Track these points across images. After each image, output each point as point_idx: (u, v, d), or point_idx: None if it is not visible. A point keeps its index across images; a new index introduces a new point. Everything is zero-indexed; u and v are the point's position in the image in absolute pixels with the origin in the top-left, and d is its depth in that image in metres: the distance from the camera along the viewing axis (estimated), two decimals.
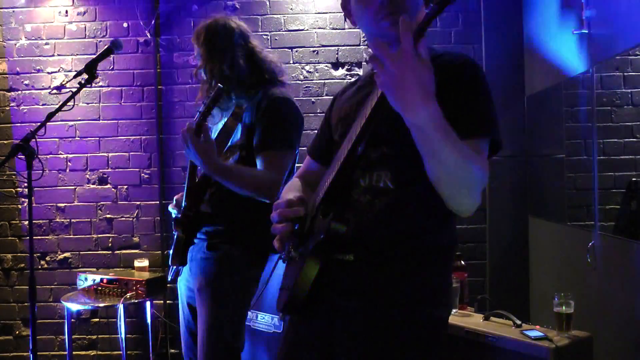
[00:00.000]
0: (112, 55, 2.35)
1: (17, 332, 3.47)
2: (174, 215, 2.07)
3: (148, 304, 3.10)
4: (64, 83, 3.31)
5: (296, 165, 1.98)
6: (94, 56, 2.14)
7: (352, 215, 1.23)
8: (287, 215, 1.26)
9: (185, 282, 2.08)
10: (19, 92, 3.44)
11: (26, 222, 3.40)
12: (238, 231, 1.96)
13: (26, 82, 3.43)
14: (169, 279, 2.15)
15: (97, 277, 3.02)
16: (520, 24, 3.23)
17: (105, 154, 3.43)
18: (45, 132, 2.16)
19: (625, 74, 2.28)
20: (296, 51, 3.38)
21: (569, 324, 2.15)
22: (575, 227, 2.62)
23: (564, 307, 2.15)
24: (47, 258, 3.44)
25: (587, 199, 2.44)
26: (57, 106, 2.12)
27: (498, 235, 3.28)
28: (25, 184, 2.09)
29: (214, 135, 1.98)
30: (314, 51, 3.37)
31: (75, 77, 2.11)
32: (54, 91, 3.34)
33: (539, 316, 2.91)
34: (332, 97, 1.54)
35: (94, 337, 3.44)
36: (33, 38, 3.43)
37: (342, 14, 1.40)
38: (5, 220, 3.46)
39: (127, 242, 3.44)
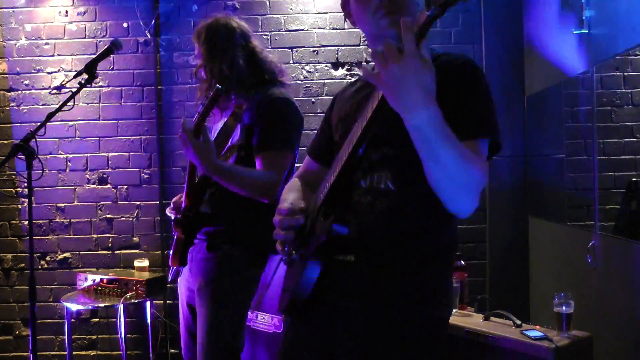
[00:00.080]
0: (112, 55, 2.35)
1: (17, 332, 3.47)
2: (172, 218, 2.07)
3: (148, 304, 3.10)
4: (64, 83, 3.31)
5: (296, 165, 1.98)
6: (94, 56, 2.13)
7: (353, 216, 1.23)
8: (289, 224, 1.27)
9: (185, 282, 2.07)
10: (19, 92, 3.44)
11: (26, 222, 3.40)
12: (238, 231, 1.96)
13: (26, 82, 3.43)
14: (169, 279, 2.15)
15: (97, 277, 3.02)
16: (520, 24, 3.23)
17: (105, 154, 3.43)
18: (45, 132, 2.16)
19: (625, 74, 2.28)
20: (296, 51, 3.38)
21: (569, 324, 2.15)
22: (575, 227, 2.62)
23: (564, 307, 2.15)
24: (47, 258, 3.44)
25: (587, 199, 2.44)
26: (57, 106, 2.11)
27: (498, 235, 3.28)
28: (25, 184, 2.09)
29: (213, 135, 1.98)
30: (314, 51, 3.37)
31: (75, 77, 2.11)
32: (54, 91, 3.34)
33: (539, 316, 2.91)
34: (332, 97, 1.54)
35: (94, 337, 3.44)
36: (33, 38, 3.43)
37: (342, 14, 1.40)
38: (5, 220, 3.46)
39: (127, 242, 3.44)
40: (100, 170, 3.43)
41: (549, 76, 2.87)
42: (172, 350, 3.39)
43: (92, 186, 3.44)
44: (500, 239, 3.27)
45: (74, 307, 2.92)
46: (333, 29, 3.36)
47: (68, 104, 2.10)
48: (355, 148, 1.19)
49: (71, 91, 2.13)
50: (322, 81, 3.37)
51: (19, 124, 3.43)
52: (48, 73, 3.43)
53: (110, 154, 3.43)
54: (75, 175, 3.43)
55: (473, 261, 3.25)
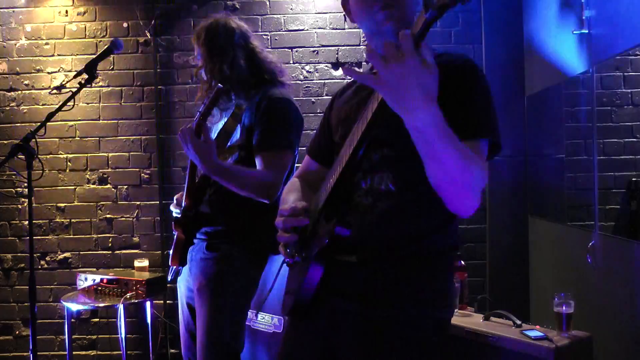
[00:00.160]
0: (112, 55, 2.36)
1: (17, 332, 3.47)
2: (175, 215, 2.07)
3: (148, 304, 3.10)
4: (64, 83, 3.31)
5: (296, 165, 1.98)
6: (94, 56, 2.14)
7: (354, 217, 1.23)
8: (292, 225, 1.26)
9: (185, 282, 2.08)
10: (19, 92, 3.44)
11: (26, 222, 3.40)
12: (238, 231, 1.96)
13: (26, 82, 3.43)
14: (169, 279, 2.15)
15: (97, 277, 3.01)
16: (520, 24, 3.23)
17: (105, 154, 3.43)
18: (45, 132, 2.16)
19: (625, 74, 2.28)
20: (296, 51, 3.38)
21: (569, 324, 2.15)
22: (575, 227, 2.62)
23: (564, 307, 2.15)
24: (47, 258, 3.44)
25: (587, 199, 2.44)
26: (57, 106, 2.12)
27: (498, 235, 3.28)
28: (25, 184, 2.09)
29: (213, 135, 1.98)
30: (314, 51, 3.37)
31: (75, 77, 2.11)
32: (54, 91, 3.34)
33: (539, 316, 2.91)
34: (331, 97, 1.54)
35: (94, 337, 3.44)
36: (33, 38, 3.43)
37: (342, 14, 1.40)
38: (5, 220, 3.46)
39: (127, 242, 3.44)
40: (100, 170, 3.43)
41: (549, 76, 2.87)
42: (172, 350, 3.39)
43: (92, 186, 3.43)
44: (500, 239, 3.27)
45: (74, 307, 2.92)
46: (333, 29, 3.36)
47: (68, 104, 2.10)
48: (355, 150, 1.19)
49: (71, 91, 2.13)
50: (322, 81, 3.37)
51: (19, 124, 3.42)
52: (48, 73, 3.43)
53: (110, 154, 3.43)
54: (75, 175, 3.43)
55: (473, 261, 3.25)
